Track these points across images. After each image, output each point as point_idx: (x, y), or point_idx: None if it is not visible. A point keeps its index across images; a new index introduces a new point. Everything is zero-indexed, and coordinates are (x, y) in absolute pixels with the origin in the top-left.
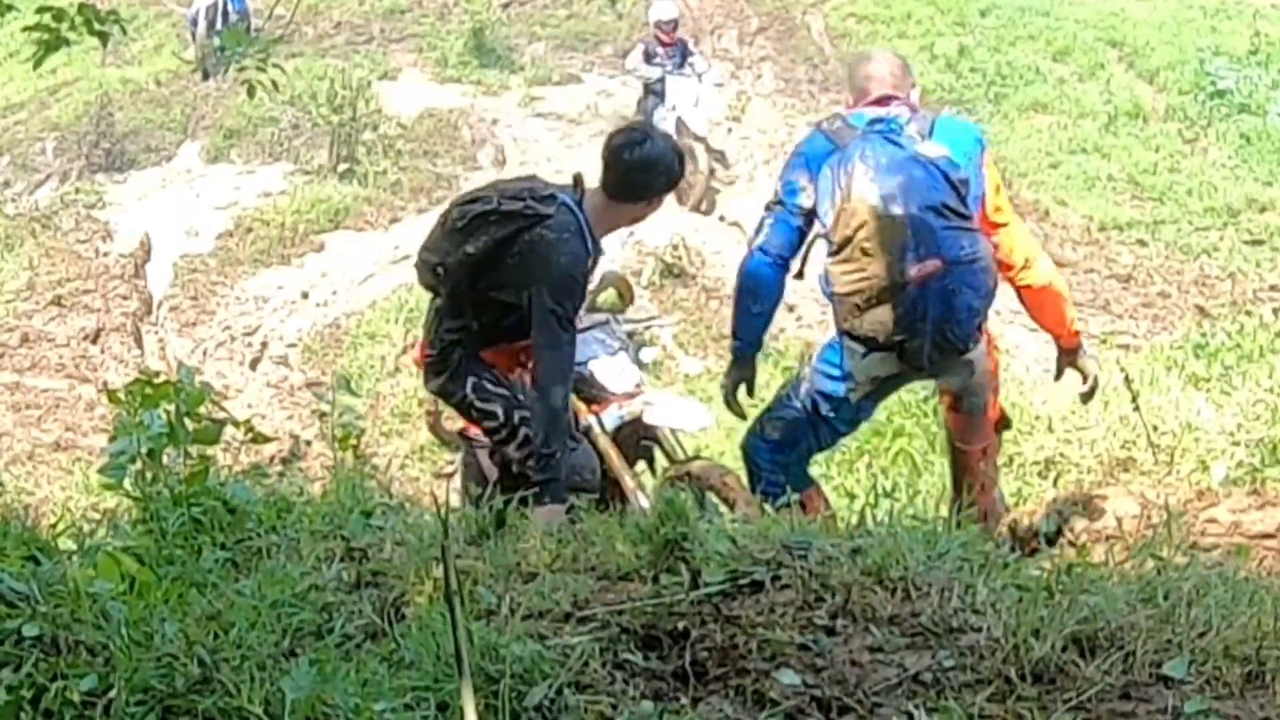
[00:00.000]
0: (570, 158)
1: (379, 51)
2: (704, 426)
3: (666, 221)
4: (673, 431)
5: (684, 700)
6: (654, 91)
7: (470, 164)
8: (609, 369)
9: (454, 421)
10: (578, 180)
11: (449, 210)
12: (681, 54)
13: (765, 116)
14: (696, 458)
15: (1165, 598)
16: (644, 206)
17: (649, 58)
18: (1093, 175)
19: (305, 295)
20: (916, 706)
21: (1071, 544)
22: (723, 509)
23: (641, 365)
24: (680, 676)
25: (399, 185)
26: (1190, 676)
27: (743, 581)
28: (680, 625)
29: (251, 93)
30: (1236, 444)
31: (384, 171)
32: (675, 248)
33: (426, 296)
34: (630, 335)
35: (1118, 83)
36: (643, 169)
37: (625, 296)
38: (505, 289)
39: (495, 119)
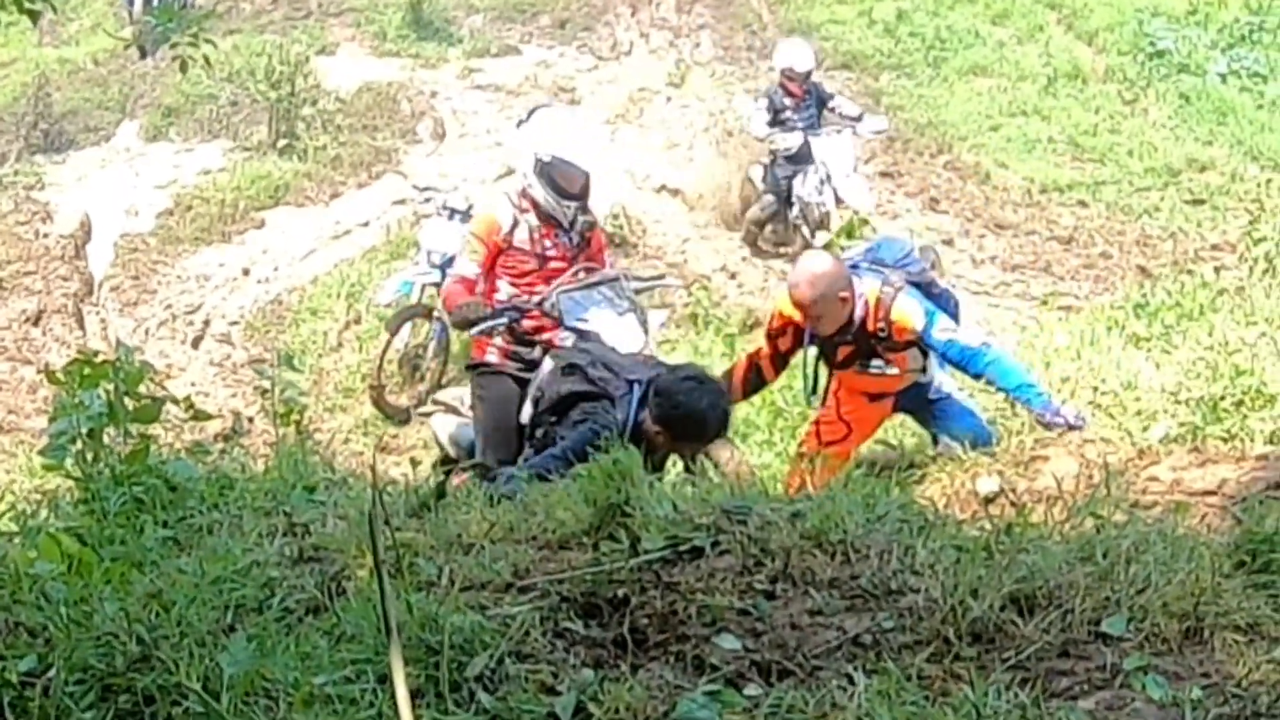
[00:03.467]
0: (510, 129)
1: (317, 26)
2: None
3: (607, 190)
4: None
5: (624, 667)
6: (790, 158)
7: (410, 137)
8: (616, 330)
9: (398, 396)
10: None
11: (565, 353)
12: (817, 103)
13: (704, 85)
14: None
15: (1104, 556)
16: (684, 448)
17: (776, 113)
18: (1033, 137)
19: (246, 272)
20: (856, 668)
21: (1013, 505)
22: (710, 470)
23: (648, 329)
24: (620, 644)
25: (339, 160)
26: (1129, 633)
27: (683, 548)
28: (620, 593)
29: (184, 68)
30: (1178, 402)
31: (323, 146)
32: (616, 217)
33: (368, 270)
34: (638, 293)
35: (1057, 45)
36: (678, 415)
37: None
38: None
39: (434, 92)
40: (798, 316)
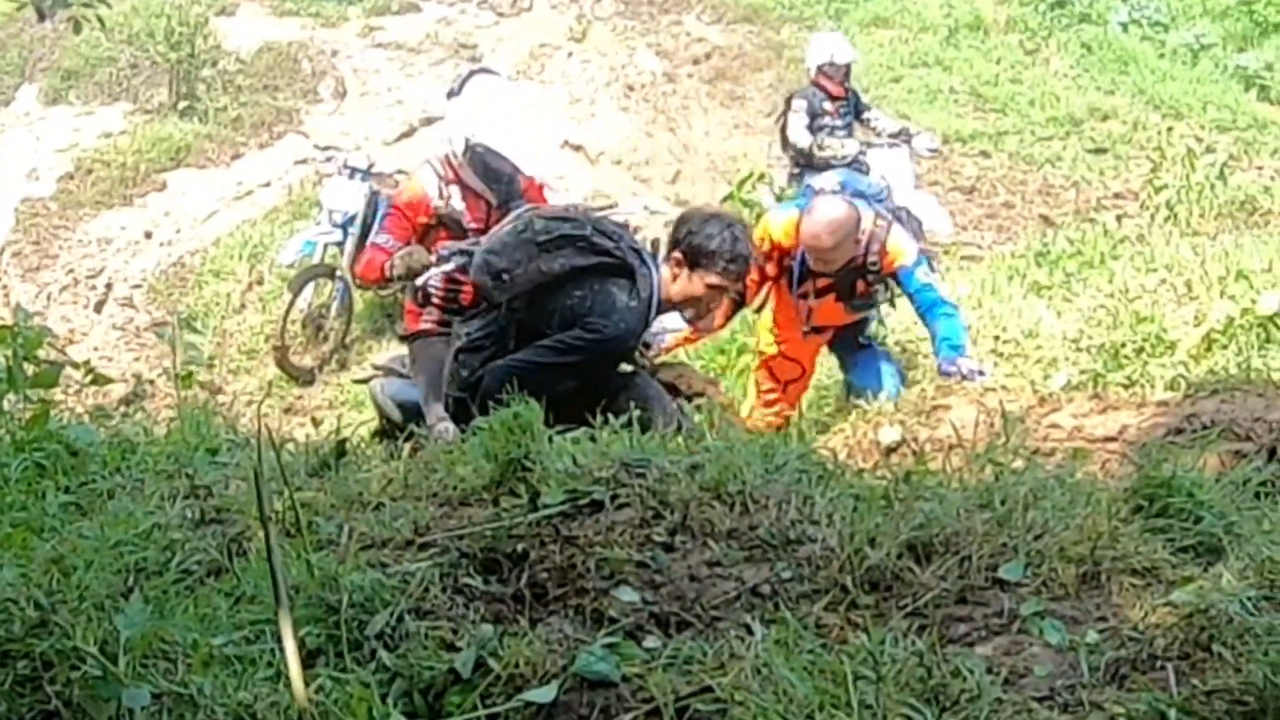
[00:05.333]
0: (411, 87)
1: None
2: (682, 330)
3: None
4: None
5: (523, 621)
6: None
7: (311, 97)
8: None
9: (301, 356)
10: (655, 247)
11: (530, 219)
12: (855, 108)
13: (605, 40)
14: (665, 364)
15: (1002, 503)
16: (700, 279)
17: (813, 118)
18: (935, 88)
19: (148, 235)
20: (754, 619)
21: (914, 454)
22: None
23: None
24: (520, 598)
25: (239, 121)
26: (1026, 579)
27: (582, 501)
28: (520, 547)
29: (78, 29)
30: (1079, 350)
31: (224, 108)
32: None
33: (271, 231)
34: None
35: None
36: (699, 233)
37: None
38: (552, 323)
39: (335, 51)
40: (788, 243)
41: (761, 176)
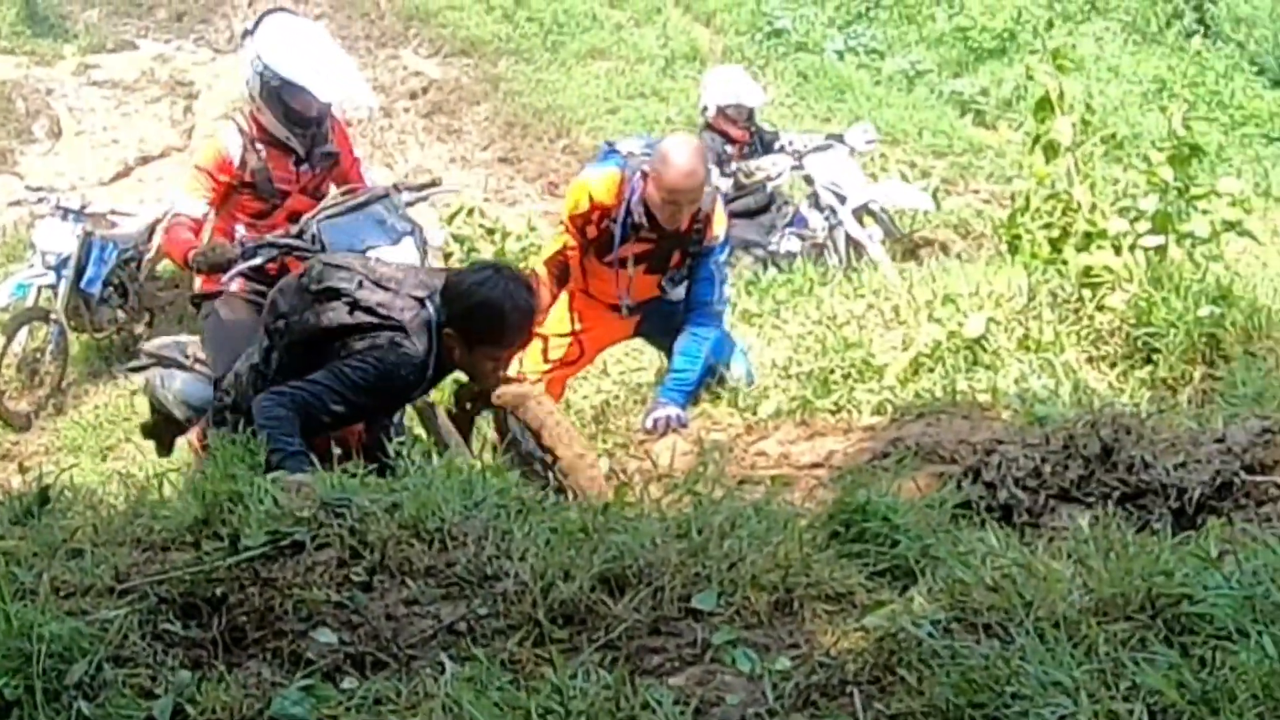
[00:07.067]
0: (127, 125)
1: None
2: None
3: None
4: None
5: (221, 666)
6: (774, 196)
7: (25, 137)
8: (392, 259)
9: (17, 401)
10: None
11: (312, 264)
12: (763, 147)
13: None
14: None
15: (699, 532)
16: (480, 355)
17: (721, 165)
18: (651, 119)
19: None
20: (450, 657)
21: (621, 485)
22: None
23: (427, 252)
24: (218, 643)
25: None
26: (720, 608)
27: (283, 542)
28: (219, 591)
29: None
30: (788, 377)
31: None
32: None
33: None
34: (411, 205)
35: (674, 26)
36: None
37: None
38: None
39: (50, 89)
40: (611, 202)
41: (471, 211)
